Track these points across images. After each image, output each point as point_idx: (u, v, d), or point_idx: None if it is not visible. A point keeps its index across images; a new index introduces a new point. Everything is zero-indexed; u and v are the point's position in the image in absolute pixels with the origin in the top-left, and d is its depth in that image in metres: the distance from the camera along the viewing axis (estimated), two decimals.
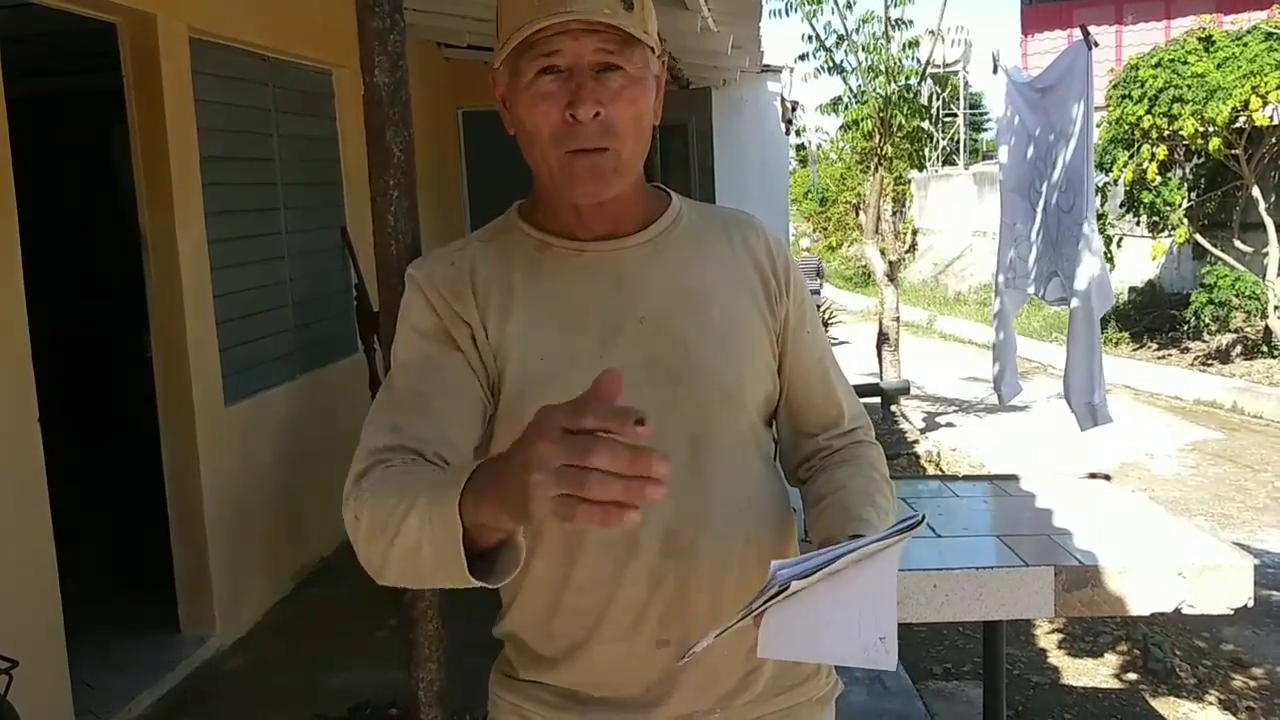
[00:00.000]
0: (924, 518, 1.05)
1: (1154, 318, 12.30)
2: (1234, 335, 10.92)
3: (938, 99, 18.17)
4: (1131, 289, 12.59)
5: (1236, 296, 10.47)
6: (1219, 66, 10.25)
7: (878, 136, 8.86)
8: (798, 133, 10.33)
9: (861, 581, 1.05)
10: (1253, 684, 4.30)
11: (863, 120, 8.79)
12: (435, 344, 1.29)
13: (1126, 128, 10.91)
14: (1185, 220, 11.09)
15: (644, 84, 1.27)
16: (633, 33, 1.23)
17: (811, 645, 1.05)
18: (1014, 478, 3.33)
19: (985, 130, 26.60)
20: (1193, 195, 11.39)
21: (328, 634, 4.50)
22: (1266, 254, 10.71)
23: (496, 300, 1.31)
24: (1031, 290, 5.13)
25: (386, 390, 1.30)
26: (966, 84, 22.73)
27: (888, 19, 8.71)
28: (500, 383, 1.30)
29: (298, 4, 5.11)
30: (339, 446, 5.38)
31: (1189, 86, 10.29)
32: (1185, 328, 11.39)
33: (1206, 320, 10.77)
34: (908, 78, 8.81)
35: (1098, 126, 9.37)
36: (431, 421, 1.24)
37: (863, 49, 8.79)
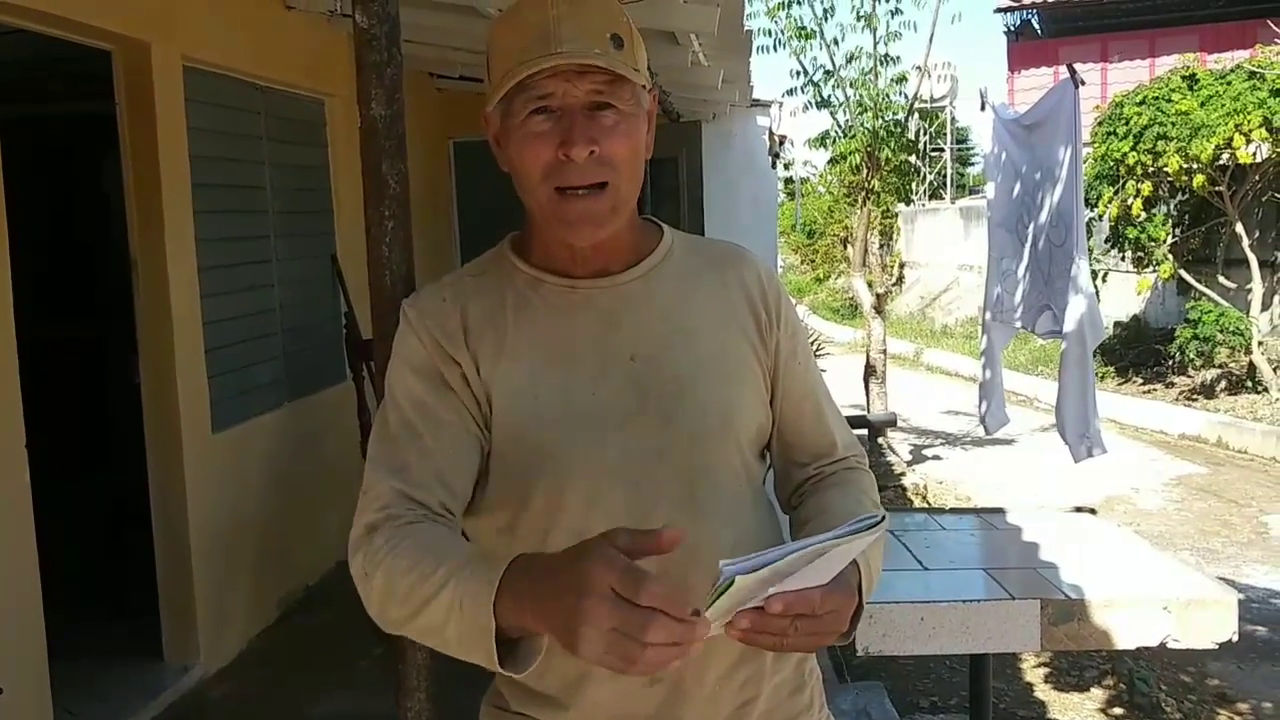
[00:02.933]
0: (884, 517, 1.04)
1: (1139, 352, 12.35)
2: (1218, 370, 10.98)
3: (925, 134, 18.30)
4: (1116, 324, 12.64)
5: (1221, 332, 10.53)
6: (1203, 104, 10.36)
7: (865, 171, 8.91)
8: (785, 166, 10.36)
9: (815, 571, 1.06)
10: (1237, 719, 4.31)
11: (850, 154, 8.84)
12: (428, 383, 1.30)
13: (1111, 164, 11.00)
14: (1170, 256, 11.17)
15: (637, 119, 1.28)
16: (623, 74, 1.24)
17: None
18: (1000, 511, 3.35)
19: (972, 165, 26.75)
20: (1177, 231, 11.48)
21: (312, 663, 4.47)
22: (1250, 290, 10.79)
23: (488, 337, 1.32)
24: (1019, 324, 5.16)
25: (383, 426, 1.31)
26: (953, 119, 22.88)
27: (875, 55, 8.79)
28: (491, 420, 1.30)
29: (291, 34, 5.15)
30: (326, 474, 5.39)
31: (1173, 124, 10.40)
32: (1170, 363, 11.44)
33: (1191, 355, 10.82)
34: (895, 113, 8.88)
35: (1084, 163, 9.46)
36: (431, 466, 1.26)
37: (850, 85, 8.86)
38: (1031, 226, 4.87)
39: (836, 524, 1.25)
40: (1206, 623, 2.46)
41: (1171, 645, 2.48)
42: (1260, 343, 10.53)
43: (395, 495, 1.23)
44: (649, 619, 0.92)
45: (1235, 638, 2.50)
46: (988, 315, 5.38)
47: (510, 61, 1.24)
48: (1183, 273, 11.27)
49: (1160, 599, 2.50)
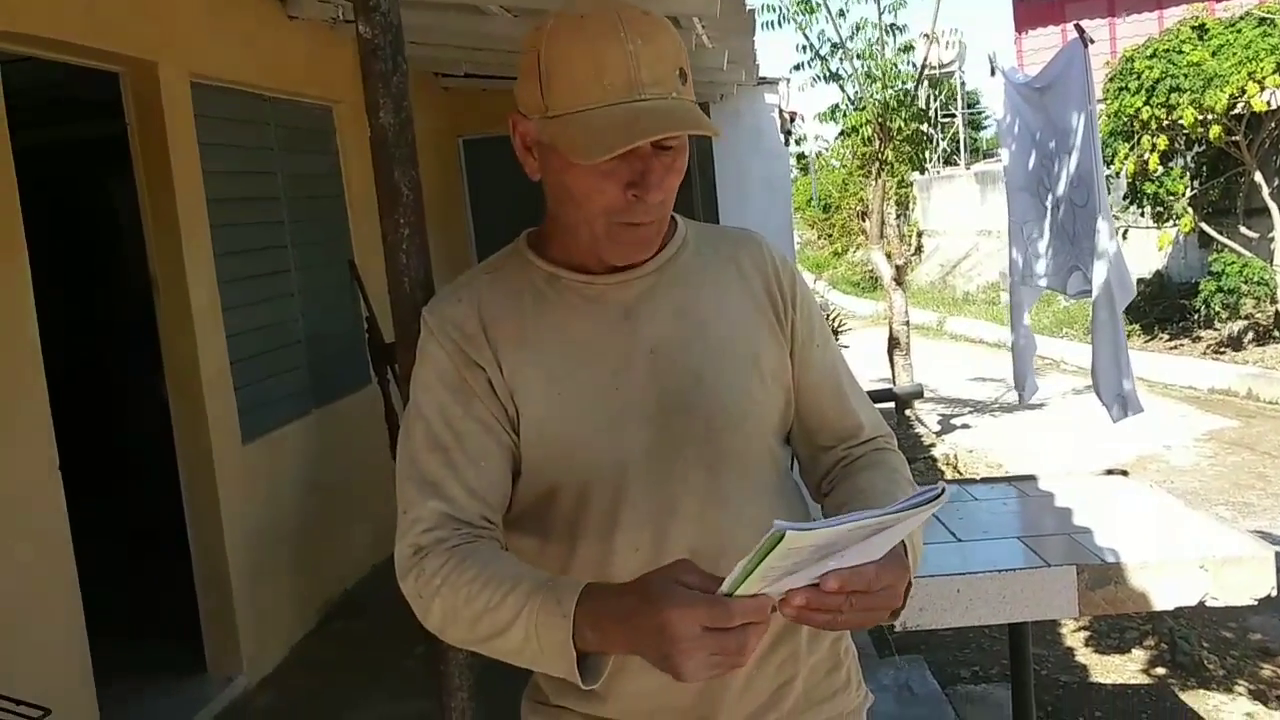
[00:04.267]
0: (944, 491, 1.03)
1: (1164, 308, 12.26)
2: (1245, 322, 10.89)
3: (935, 101, 18.17)
4: (1139, 280, 12.50)
5: (1245, 283, 10.44)
6: (1214, 54, 10.26)
7: (877, 142, 8.88)
8: (797, 142, 10.33)
9: (870, 545, 1.06)
10: None
11: (861, 126, 8.81)
12: (454, 393, 1.31)
13: (1125, 120, 10.91)
14: (1189, 209, 11.07)
15: (686, 148, 1.29)
16: (697, 132, 1.23)
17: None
18: (1032, 478, 3.33)
19: (984, 129, 26.55)
20: (1195, 184, 11.38)
21: (354, 666, 4.51)
22: (1273, 239, 10.69)
23: (508, 335, 1.32)
24: (1043, 284, 5.12)
25: (410, 440, 1.32)
26: (963, 84, 22.72)
27: (881, 25, 8.74)
28: (518, 419, 1.31)
29: (295, 44, 5.16)
30: (357, 478, 5.43)
31: (1185, 75, 10.30)
32: (1195, 317, 11.35)
33: (1216, 308, 10.73)
34: (904, 82, 8.83)
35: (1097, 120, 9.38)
36: (464, 480, 1.28)
37: (858, 56, 8.82)
38: (1052, 189, 4.83)
39: (876, 505, 1.25)
40: (1244, 579, 2.45)
41: (1210, 604, 2.47)
42: None
43: (437, 516, 1.26)
44: (744, 636, 1.03)
45: (1274, 592, 2.49)
46: (1013, 279, 5.34)
47: (585, 95, 1.21)
48: (1203, 225, 11.17)
49: (1196, 558, 2.48)
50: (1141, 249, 12.34)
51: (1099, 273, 4.35)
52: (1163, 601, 2.49)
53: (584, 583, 1.15)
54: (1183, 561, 2.48)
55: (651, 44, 1.22)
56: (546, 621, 1.12)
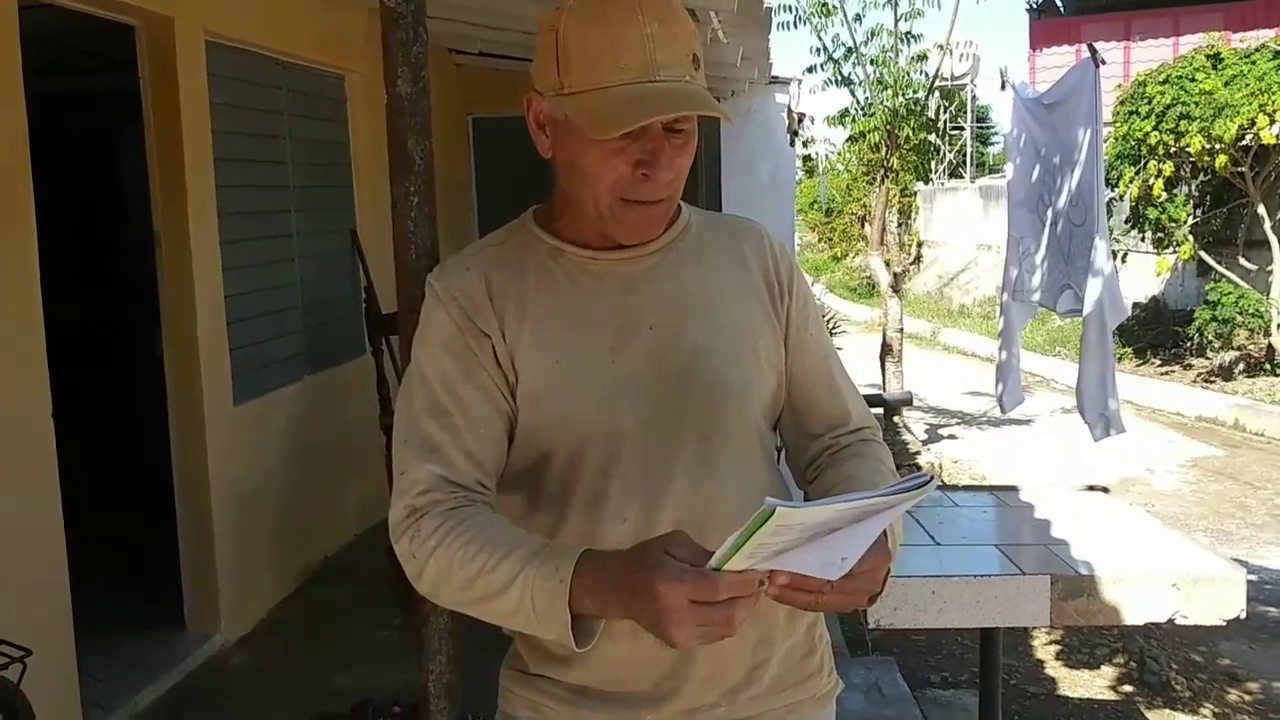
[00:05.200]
0: (932, 479, 1.07)
1: (1157, 334, 12.30)
2: (1237, 352, 10.94)
3: (945, 112, 18.19)
4: (1135, 305, 12.59)
5: (1240, 314, 10.49)
6: (1227, 84, 10.29)
7: (884, 149, 8.88)
8: (805, 144, 10.34)
9: (858, 530, 1.09)
10: (1248, 698, 4.33)
11: (870, 133, 8.82)
12: (457, 360, 1.34)
13: (1133, 143, 10.94)
14: (1190, 237, 11.11)
15: (695, 132, 1.32)
16: (709, 113, 1.26)
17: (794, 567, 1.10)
18: (1013, 489, 3.37)
19: (992, 144, 26.57)
20: (1198, 212, 11.42)
21: (331, 632, 4.54)
22: (1271, 271, 10.74)
23: (512, 306, 1.35)
24: (1035, 299, 5.16)
25: (410, 403, 1.34)
26: (974, 98, 22.71)
27: (896, 33, 8.75)
28: (517, 386, 1.34)
29: (311, 9, 5.16)
30: (345, 447, 5.45)
31: (1196, 103, 10.33)
32: (1188, 344, 11.40)
33: (1210, 337, 10.78)
34: (915, 91, 8.84)
35: (1104, 142, 9.39)
36: (462, 445, 1.31)
37: (871, 62, 8.83)
38: (1052, 206, 4.86)
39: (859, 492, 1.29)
40: (1215, 600, 2.48)
41: (1180, 621, 2.51)
42: (1279, 325, 10.48)
43: (434, 479, 1.29)
44: (729, 610, 1.07)
45: (1243, 615, 2.53)
46: (1006, 295, 5.38)
47: (601, 74, 1.24)
48: (1203, 254, 11.22)
49: (1169, 575, 2.52)
50: (1140, 274, 12.39)
51: (1092, 291, 4.38)
52: (1134, 616, 2.53)
53: (580, 550, 1.18)
54: (1156, 578, 2.52)
55: (668, 28, 1.26)
56: (543, 586, 1.16)
